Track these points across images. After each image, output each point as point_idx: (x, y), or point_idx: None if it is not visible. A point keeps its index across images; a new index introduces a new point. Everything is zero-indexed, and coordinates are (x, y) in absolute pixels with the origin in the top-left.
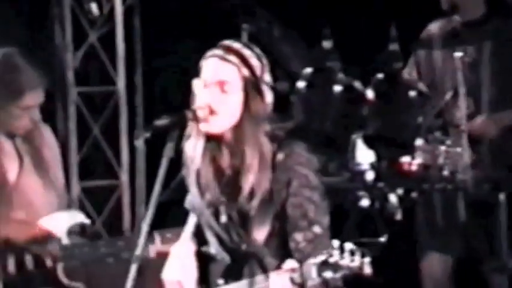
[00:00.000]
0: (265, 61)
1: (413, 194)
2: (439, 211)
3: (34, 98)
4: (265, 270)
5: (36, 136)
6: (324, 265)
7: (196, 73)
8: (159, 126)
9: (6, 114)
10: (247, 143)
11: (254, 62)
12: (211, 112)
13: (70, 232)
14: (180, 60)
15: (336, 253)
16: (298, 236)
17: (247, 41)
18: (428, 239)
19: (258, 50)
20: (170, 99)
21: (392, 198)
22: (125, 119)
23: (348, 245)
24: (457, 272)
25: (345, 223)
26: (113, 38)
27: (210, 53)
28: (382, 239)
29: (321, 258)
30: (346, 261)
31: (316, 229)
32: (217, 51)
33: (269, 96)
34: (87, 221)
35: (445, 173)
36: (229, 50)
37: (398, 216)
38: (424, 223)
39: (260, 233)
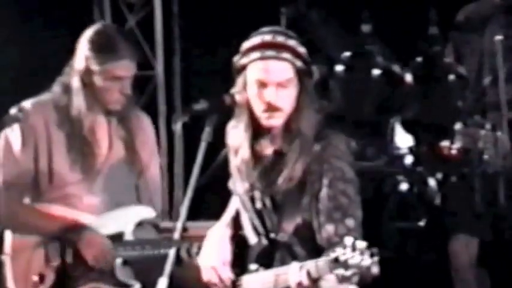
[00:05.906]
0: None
1: (453, 178)
2: (478, 195)
3: (124, 68)
4: (295, 259)
5: (133, 123)
6: (335, 262)
7: (233, 57)
8: (197, 111)
9: (98, 89)
10: (304, 120)
11: (301, 49)
12: (276, 109)
13: (137, 228)
14: (218, 44)
15: (348, 251)
16: (331, 228)
17: (283, 29)
18: (465, 223)
19: (294, 34)
20: (208, 83)
21: (432, 182)
22: (163, 103)
23: (360, 244)
24: (489, 256)
25: (384, 207)
26: (151, 23)
27: (260, 54)
28: (421, 223)
29: (333, 255)
30: (356, 259)
31: (350, 222)
32: (270, 53)
33: (316, 73)
34: (152, 216)
35: (485, 157)
36: (280, 47)
37: (437, 200)
38: (462, 207)
39: (290, 224)
